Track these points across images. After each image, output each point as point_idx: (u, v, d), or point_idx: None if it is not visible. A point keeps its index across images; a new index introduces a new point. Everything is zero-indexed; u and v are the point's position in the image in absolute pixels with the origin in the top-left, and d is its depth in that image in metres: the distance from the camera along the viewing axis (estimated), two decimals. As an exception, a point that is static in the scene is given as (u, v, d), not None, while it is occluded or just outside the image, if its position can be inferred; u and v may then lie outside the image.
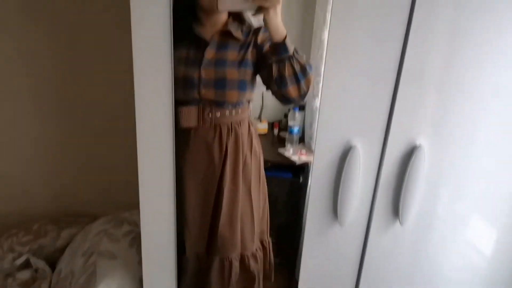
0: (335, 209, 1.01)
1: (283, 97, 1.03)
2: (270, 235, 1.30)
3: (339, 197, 0.98)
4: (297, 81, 0.99)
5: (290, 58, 0.97)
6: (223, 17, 1.06)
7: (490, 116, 0.96)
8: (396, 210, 1.01)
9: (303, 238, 1.07)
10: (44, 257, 1.57)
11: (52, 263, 1.55)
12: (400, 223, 1.02)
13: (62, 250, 1.58)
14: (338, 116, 0.93)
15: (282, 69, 0.98)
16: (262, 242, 1.27)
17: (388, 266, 1.09)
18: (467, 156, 0.99)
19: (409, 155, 0.95)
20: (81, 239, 1.45)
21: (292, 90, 1.00)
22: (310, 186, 1.00)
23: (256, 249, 1.25)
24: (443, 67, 0.90)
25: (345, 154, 0.95)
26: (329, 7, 0.87)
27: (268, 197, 1.26)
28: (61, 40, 1.58)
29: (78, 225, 1.67)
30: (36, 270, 1.50)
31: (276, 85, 1.01)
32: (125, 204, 1.61)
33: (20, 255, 1.53)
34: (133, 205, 1.56)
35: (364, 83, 0.90)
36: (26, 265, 1.53)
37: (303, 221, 1.07)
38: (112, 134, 1.71)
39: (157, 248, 1.08)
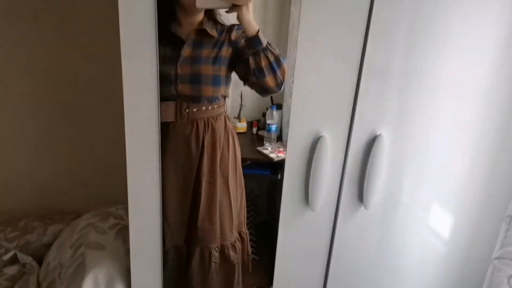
0: (306, 195, 1.11)
1: (261, 88, 1.12)
2: (251, 233, 1.37)
3: (310, 183, 1.08)
4: (273, 71, 1.08)
5: (265, 50, 1.07)
6: (199, 16, 1.14)
7: (446, 108, 1.08)
8: (361, 195, 1.12)
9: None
10: (31, 252, 1.62)
11: (39, 258, 1.61)
12: (364, 207, 1.13)
13: (48, 246, 1.64)
14: (308, 108, 1.03)
15: (258, 60, 1.08)
16: (240, 234, 1.34)
17: (355, 248, 1.19)
18: (424, 145, 1.11)
19: (371, 143, 1.06)
20: (69, 233, 1.51)
21: (269, 79, 1.09)
22: (284, 174, 1.10)
23: (235, 240, 1.31)
24: (402, 63, 1.01)
25: (315, 143, 1.05)
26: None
27: (248, 195, 1.32)
28: (56, 44, 1.65)
29: (63, 222, 1.72)
30: (23, 265, 1.55)
31: (254, 77, 1.10)
32: (109, 201, 1.68)
33: (7, 251, 1.57)
34: (117, 201, 1.64)
35: (331, 77, 1.01)
36: (14, 260, 1.57)
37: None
38: (95, 133, 1.77)
39: (144, 240, 1.15)
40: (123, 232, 1.41)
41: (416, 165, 1.14)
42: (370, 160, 1.07)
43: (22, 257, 1.57)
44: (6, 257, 1.56)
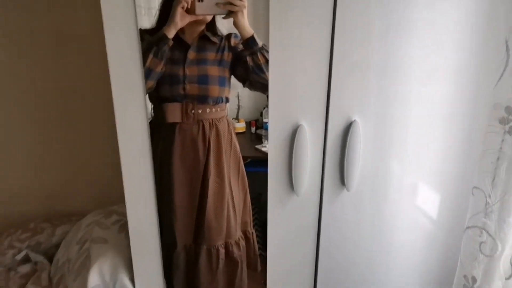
0: (290, 181, 1.18)
1: (262, 85, 1.17)
2: (256, 229, 1.41)
3: (292, 170, 1.16)
4: None
5: (261, 49, 1.15)
6: (200, 27, 1.22)
7: (419, 90, 1.14)
8: (342, 178, 1.19)
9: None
10: (42, 252, 1.71)
11: (50, 257, 1.70)
12: (347, 189, 1.20)
13: (57, 245, 1.72)
14: (285, 99, 1.10)
15: (256, 59, 1.15)
16: (245, 233, 1.38)
17: (342, 230, 1.26)
18: (402, 128, 1.17)
19: (347, 129, 1.14)
20: (75, 232, 1.60)
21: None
22: (268, 162, 1.17)
23: (239, 238, 1.36)
24: (372, 52, 1.08)
25: (294, 132, 1.13)
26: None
27: (252, 193, 1.37)
28: (49, 48, 1.75)
29: (70, 222, 1.81)
30: (35, 263, 1.65)
31: (254, 74, 1.17)
32: (112, 201, 1.76)
33: (19, 250, 1.67)
34: (120, 201, 1.72)
35: (303, 70, 1.08)
36: (26, 259, 1.67)
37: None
38: (96, 137, 1.87)
39: (142, 232, 1.23)
40: (125, 227, 1.49)
41: (398, 147, 1.20)
42: (347, 145, 1.14)
43: (34, 256, 1.66)
44: (19, 256, 1.65)
